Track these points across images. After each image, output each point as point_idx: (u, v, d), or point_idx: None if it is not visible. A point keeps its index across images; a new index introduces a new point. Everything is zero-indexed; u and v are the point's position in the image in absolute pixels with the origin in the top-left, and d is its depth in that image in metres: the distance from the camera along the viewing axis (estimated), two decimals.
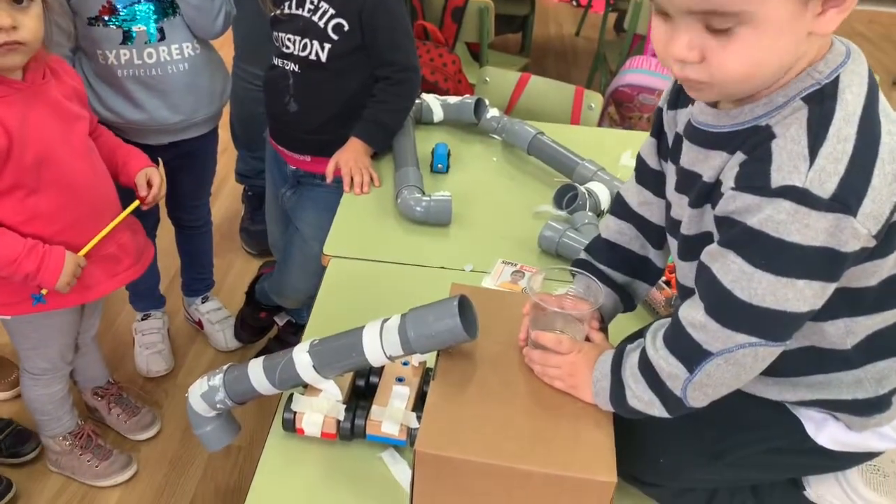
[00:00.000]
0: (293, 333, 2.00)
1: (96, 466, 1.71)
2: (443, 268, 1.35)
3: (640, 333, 0.95)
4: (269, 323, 2.06)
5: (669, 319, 0.82)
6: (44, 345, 1.55)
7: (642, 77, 2.59)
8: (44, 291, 1.35)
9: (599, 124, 2.10)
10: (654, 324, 0.84)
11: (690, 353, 0.77)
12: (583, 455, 0.84)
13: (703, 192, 0.79)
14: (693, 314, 0.77)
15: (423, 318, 0.94)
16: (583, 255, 1.05)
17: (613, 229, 1.03)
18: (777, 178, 0.69)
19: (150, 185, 1.49)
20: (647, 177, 0.98)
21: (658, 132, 0.94)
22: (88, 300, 1.48)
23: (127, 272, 1.51)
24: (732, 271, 0.73)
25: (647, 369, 0.82)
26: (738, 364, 0.76)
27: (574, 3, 4.58)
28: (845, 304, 0.76)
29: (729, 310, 0.74)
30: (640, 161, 0.99)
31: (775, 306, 0.72)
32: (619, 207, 1.03)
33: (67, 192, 1.34)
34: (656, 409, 0.84)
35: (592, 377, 0.88)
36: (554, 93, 2.05)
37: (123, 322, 2.17)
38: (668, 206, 0.90)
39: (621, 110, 2.72)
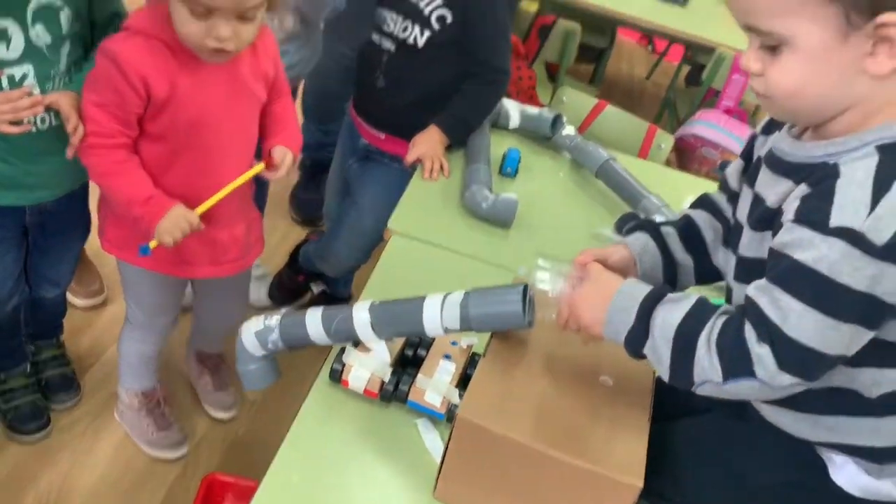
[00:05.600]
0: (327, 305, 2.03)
1: (152, 434, 1.68)
2: (499, 265, 1.39)
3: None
4: (304, 287, 2.10)
5: (736, 310, 0.82)
6: (138, 296, 1.56)
7: (710, 131, 2.62)
8: (151, 244, 1.26)
9: None
10: (722, 308, 0.83)
11: (737, 367, 0.78)
12: (615, 456, 0.86)
13: (764, 217, 0.83)
14: (754, 339, 0.78)
15: (485, 297, 0.97)
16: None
17: (694, 213, 1.05)
18: (836, 218, 0.72)
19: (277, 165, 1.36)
20: (727, 195, 1.02)
21: (748, 156, 0.97)
22: (181, 275, 1.47)
23: (231, 264, 1.46)
24: (782, 308, 0.75)
25: (685, 344, 0.81)
26: (768, 392, 0.78)
27: (650, 48, 4.62)
28: (875, 354, 0.78)
29: (780, 346, 0.75)
30: (723, 181, 1.03)
31: (820, 347, 0.74)
32: (705, 201, 1.05)
33: (208, 167, 1.30)
34: (661, 368, 0.83)
35: (607, 308, 0.86)
36: (627, 125, 2.08)
37: None
38: (735, 228, 0.93)
39: (682, 160, 2.75)
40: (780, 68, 0.76)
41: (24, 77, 1.23)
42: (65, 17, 1.24)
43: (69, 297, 1.86)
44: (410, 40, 1.62)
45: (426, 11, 1.59)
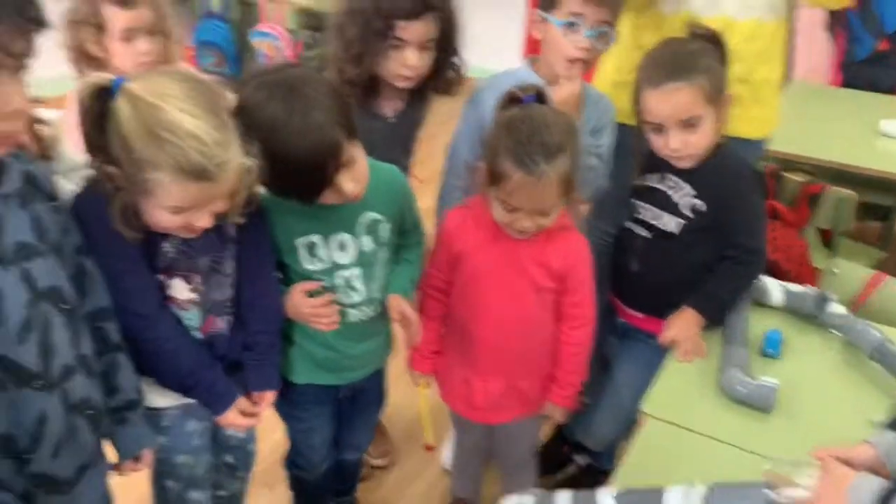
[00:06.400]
0: (591, 477, 2.07)
1: None
2: (754, 453, 1.36)
3: None
4: (568, 458, 2.16)
5: None
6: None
7: None
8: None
9: None
10: None
11: None
12: None
13: None
14: None
15: (729, 495, 0.99)
16: None
17: None
18: None
19: None
20: None
21: None
22: (476, 418, 1.79)
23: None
24: None
25: None
26: None
27: None
28: None
29: None
30: None
31: None
32: None
33: (469, 324, 1.63)
34: None
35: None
36: None
37: None
38: None
39: None
40: None
41: (354, 277, 1.55)
42: (384, 228, 1.56)
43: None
44: (664, 227, 1.72)
45: (679, 201, 1.69)
